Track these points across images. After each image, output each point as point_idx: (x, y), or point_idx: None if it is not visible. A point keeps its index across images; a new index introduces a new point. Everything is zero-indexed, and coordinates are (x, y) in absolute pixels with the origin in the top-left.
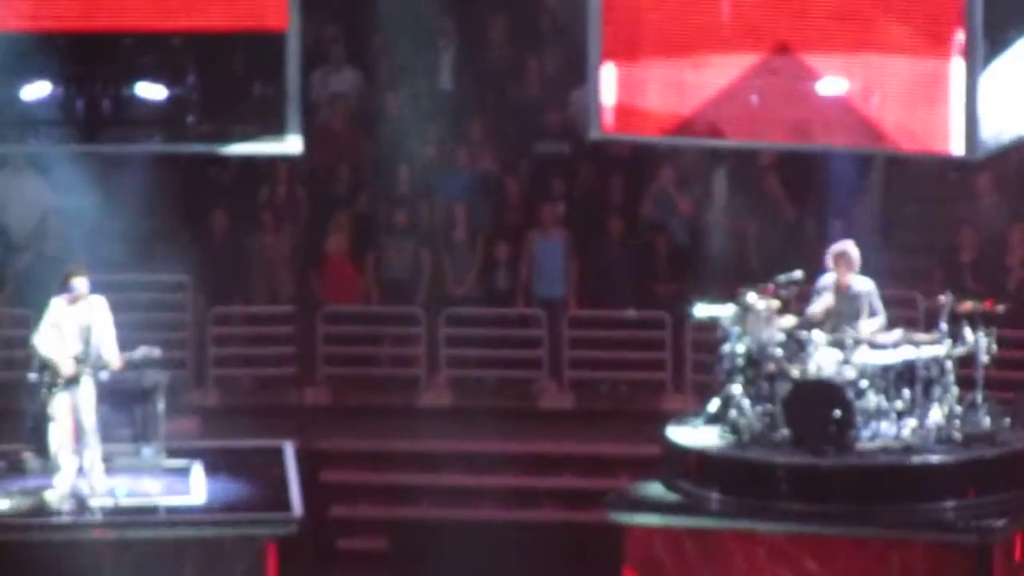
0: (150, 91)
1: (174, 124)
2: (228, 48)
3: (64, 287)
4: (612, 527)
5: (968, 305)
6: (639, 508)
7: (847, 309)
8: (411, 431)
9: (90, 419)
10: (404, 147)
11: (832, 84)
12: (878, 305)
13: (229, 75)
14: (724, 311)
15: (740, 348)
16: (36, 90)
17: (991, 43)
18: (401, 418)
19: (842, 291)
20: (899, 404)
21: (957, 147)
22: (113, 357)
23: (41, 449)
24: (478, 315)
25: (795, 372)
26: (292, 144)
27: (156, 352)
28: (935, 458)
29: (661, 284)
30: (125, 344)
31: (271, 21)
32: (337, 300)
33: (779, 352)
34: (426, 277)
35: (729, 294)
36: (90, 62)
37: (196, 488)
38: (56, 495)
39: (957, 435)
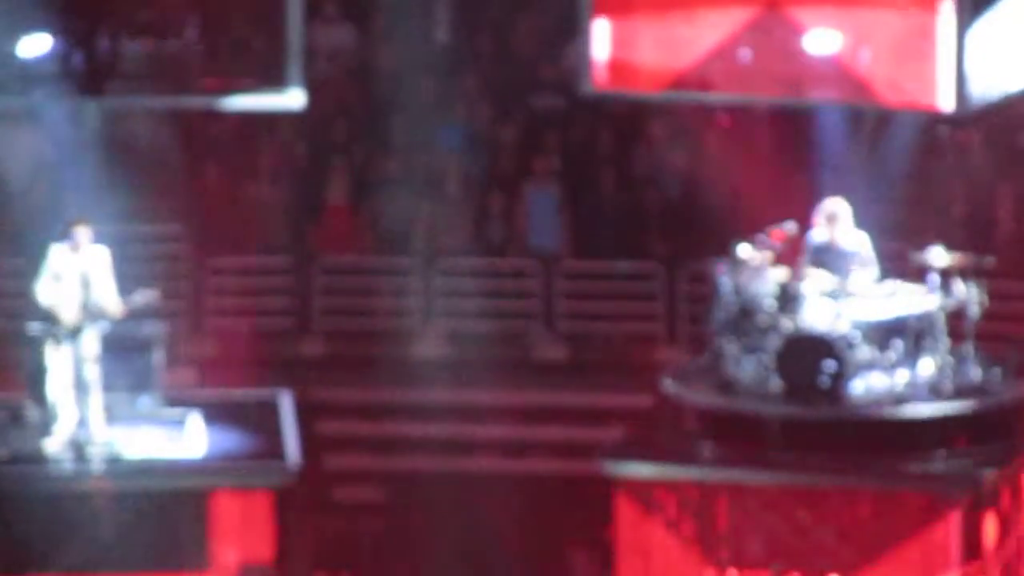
0: (151, 43)
1: (173, 77)
2: (227, 1)
3: (66, 236)
4: (605, 478)
5: (958, 258)
6: (632, 459)
7: (837, 265)
8: (406, 382)
9: (92, 369)
10: (399, 99)
11: (822, 39)
12: (870, 258)
13: (228, 28)
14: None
15: (733, 300)
16: (35, 44)
17: None
18: (396, 369)
19: (832, 248)
20: (890, 356)
21: (946, 102)
22: (114, 306)
23: (40, 399)
24: (472, 266)
25: (787, 324)
26: (293, 97)
27: (155, 295)
28: (926, 410)
29: (654, 236)
30: (122, 294)
31: None
32: (333, 251)
33: (772, 304)
34: (421, 228)
35: (721, 247)
36: (89, 15)
37: (193, 438)
38: (54, 445)
39: (948, 387)
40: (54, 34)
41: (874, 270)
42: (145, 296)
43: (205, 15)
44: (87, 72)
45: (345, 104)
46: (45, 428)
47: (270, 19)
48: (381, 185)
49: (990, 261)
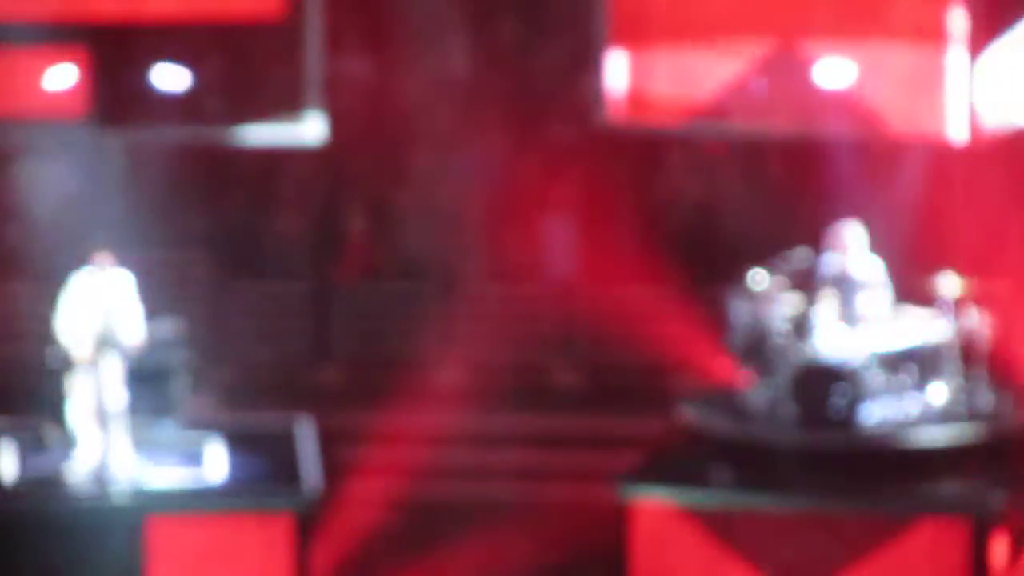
0: (170, 76)
1: (194, 108)
2: (248, 33)
3: (86, 263)
4: (621, 504)
5: (970, 284)
6: (648, 485)
7: (850, 291)
8: (424, 409)
9: (113, 398)
10: (418, 129)
11: (834, 71)
12: (883, 284)
13: (250, 61)
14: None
15: (747, 327)
16: (61, 75)
17: (991, 29)
18: (415, 396)
19: (845, 274)
20: (903, 382)
21: (958, 134)
22: (136, 334)
23: (61, 425)
24: (491, 294)
25: (801, 351)
26: (313, 129)
27: (175, 325)
28: (938, 435)
29: (670, 263)
30: (145, 320)
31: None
32: (353, 279)
33: (785, 331)
34: (439, 257)
35: (736, 273)
36: (112, 48)
37: (214, 464)
38: (75, 472)
39: (960, 412)
40: (79, 66)
41: (887, 296)
42: (166, 326)
43: (226, 48)
44: (111, 104)
45: (364, 135)
46: (66, 454)
47: (290, 51)
48: (400, 214)
49: (1002, 287)
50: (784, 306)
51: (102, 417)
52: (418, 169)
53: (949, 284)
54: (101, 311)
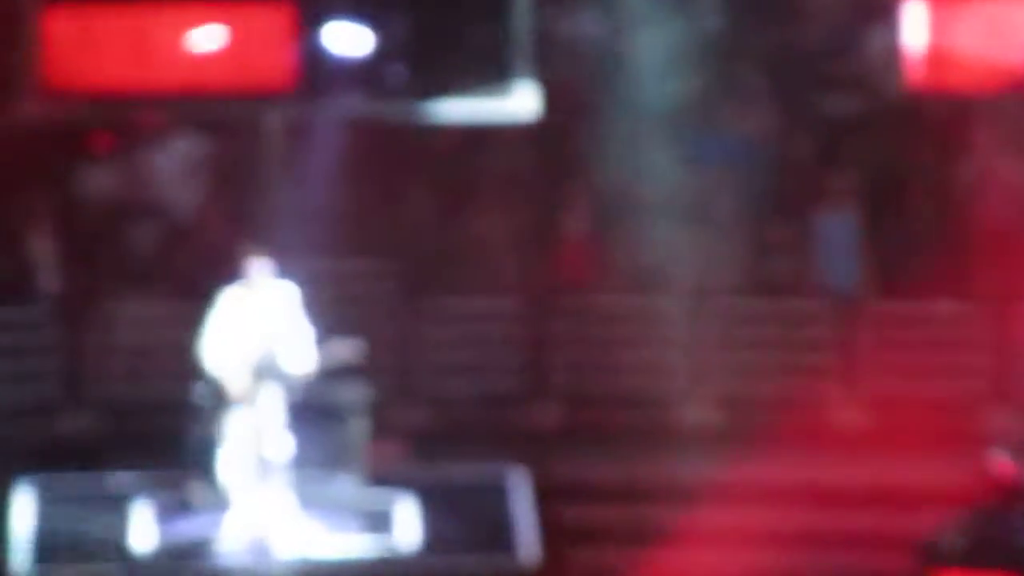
0: (349, 39)
1: (377, 78)
2: None
3: (239, 274)
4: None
5: None
6: (953, 555)
7: None
8: (666, 456)
9: (273, 443)
10: (657, 103)
11: None
12: None
13: (444, 20)
14: None
15: None
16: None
17: None
18: (654, 440)
19: None
20: None
21: None
22: (304, 361)
23: (210, 480)
24: (750, 311)
25: None
26: (523, 102)
27: (357, 350)
28: None
29: (981, 270)
30: (316, 346)
31: None
32: (574, 292)
33: None
34: (684, 263)
35: None
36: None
37: (404, 528)
38: (230, 540)
39: None
40: (232, 27)
41: None
42: (344, 349)
43: (416, 5)
44: (273, 73)
45: (588, 110)
46: (216, 518)
47: (494, 7)
48: (633, 209)
49: None
50: None
51: (261, 469)
52: (656, 152)
53: None
54: (259, 335)
